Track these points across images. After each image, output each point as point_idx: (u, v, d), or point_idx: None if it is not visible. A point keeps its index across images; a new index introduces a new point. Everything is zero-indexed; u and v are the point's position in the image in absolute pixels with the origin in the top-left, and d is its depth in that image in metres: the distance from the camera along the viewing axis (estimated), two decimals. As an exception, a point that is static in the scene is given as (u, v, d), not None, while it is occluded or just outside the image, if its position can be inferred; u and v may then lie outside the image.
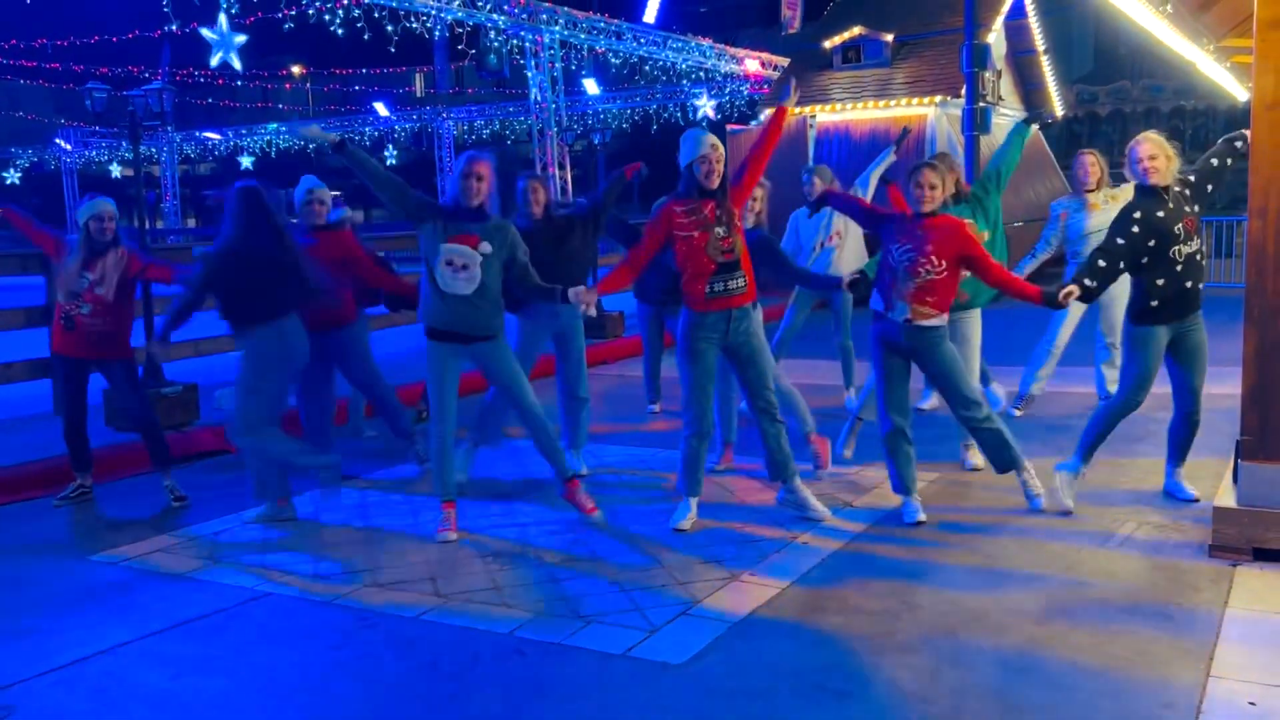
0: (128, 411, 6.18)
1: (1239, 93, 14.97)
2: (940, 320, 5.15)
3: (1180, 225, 4.98)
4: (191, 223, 44.53)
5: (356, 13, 14.50)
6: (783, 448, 5.32)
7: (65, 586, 4.81)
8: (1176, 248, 4.98)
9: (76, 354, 5.96)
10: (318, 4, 14.56)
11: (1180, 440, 5.38)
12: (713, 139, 5.13)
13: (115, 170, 40.97)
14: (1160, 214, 4.98)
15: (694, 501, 5.33)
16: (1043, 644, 3.81)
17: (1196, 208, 5.09)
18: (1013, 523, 5.22)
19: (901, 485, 5.33)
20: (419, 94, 45.23)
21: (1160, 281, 5.01)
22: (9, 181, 42.56)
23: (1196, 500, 5.26)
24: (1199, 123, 27.42)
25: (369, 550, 5.14)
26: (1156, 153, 5.02)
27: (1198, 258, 5.04)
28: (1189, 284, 5.04)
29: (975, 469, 6.04)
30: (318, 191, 6.34)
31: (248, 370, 5.45)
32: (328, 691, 3.66)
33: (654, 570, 4.69)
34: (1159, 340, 5.12)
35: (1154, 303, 5.05)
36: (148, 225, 8.96)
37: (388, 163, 40.23)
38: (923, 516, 5.23)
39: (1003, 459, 5.28)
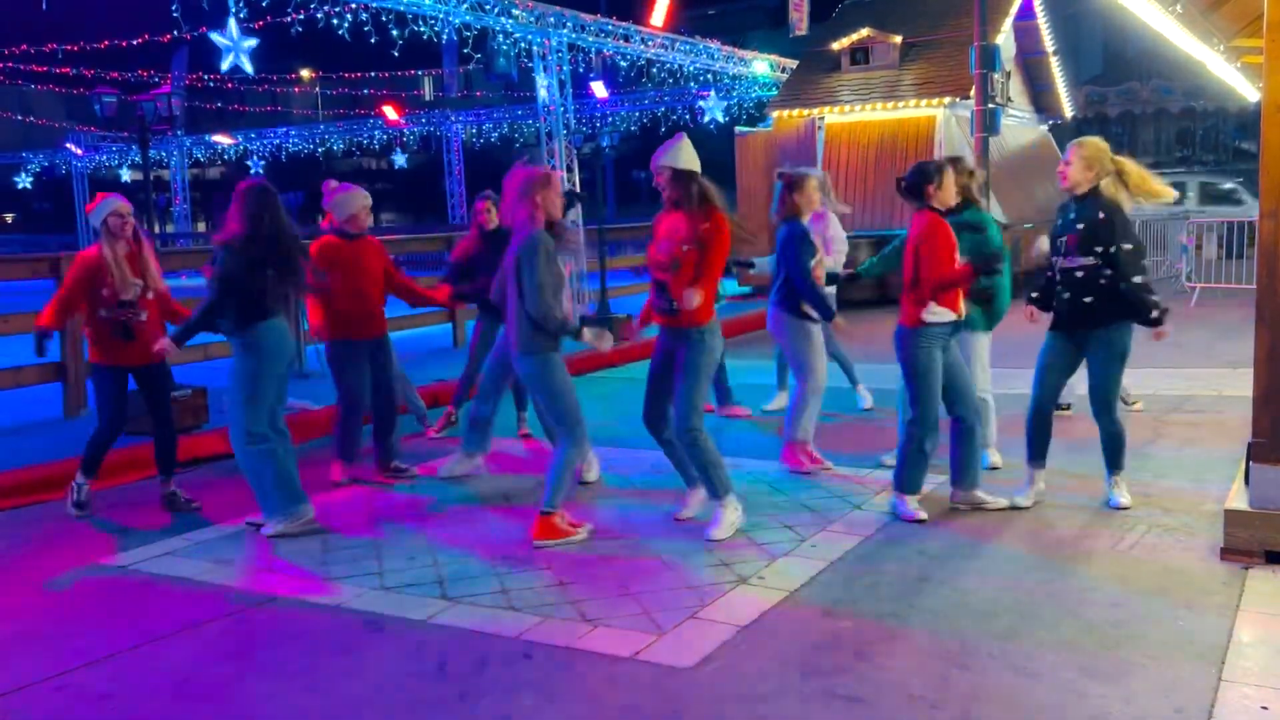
0: (157, 414, 6.07)
1: (1249, 93, 14.90)
2: None
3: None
4: (201, 227, 44.70)
5: (364, 17, 14.52)
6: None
7: (72, 590, 4.82)
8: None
9: (139, 362, 5.84)
10: (326, 8, 14.58)
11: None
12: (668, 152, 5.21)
13: (125, 174, 41.12)
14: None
15: None
16: (1053, 647, 3.78)
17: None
18: (1021, 525, 5.20)
19: (915, 485, 5.37)
20: (428, 97, 45.31)
21: None
22: (20, 186, 42.74)
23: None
24: (1209, 124, 27.35)
25: (377, 554, 5.13)
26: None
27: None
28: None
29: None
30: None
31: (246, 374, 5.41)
32: (336, 695, 3.65)
33: (662, 574, 4.68)
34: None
35: None
36: (158, 229, 8.98)
37: (396, 166, 40.45)
38: (923, 514, 5.30)
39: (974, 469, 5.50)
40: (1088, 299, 5.18)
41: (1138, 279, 5.11)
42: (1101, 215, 5.11)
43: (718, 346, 5.28)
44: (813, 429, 6.38)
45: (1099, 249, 5.11)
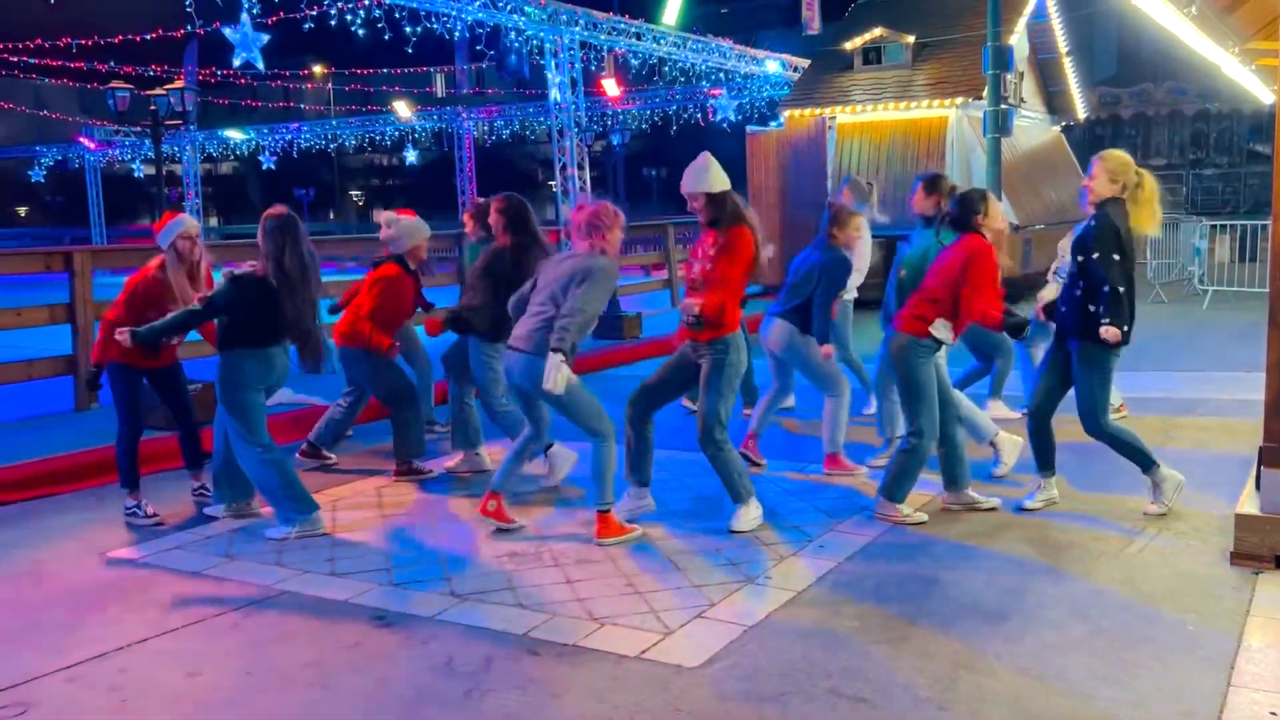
0: (179, 411, 6.01)
1: (1264, 95, 14.82)
2: None
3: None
4: (214, 221, 44.81)
5: (378, 13, 14.56)
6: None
7: (82, 583, 4.84)
8: None
9: (156, 364, 5.77)
10: (339, 4, 14.62)
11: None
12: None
13: (138, 169, 41.25)
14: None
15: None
16: (1061, 650, 3.78)
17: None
18: (1029, 529, 5.18)
19: (904, 495, 5.38)
20: (439, 94, 45.36)
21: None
22: (34, 179, 42.90)
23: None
24: (1223, 125, 27.23)
25: (385, 550, 5.14)
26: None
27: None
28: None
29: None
30: None
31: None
32: (343, 690, 3.66)
33: (669, 573, 4.68)
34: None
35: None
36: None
37: (408, 163, 40.51)
38: (922, 517, 5.33)
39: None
40: (1063, 307, 5.22)
41: (1105, 288, 4.99)
42: (1095, 222, 5.08)
43: (741, 361, 5.29)
44: (844, 434, 6.40)
45: (1080, 258, 5.11)
